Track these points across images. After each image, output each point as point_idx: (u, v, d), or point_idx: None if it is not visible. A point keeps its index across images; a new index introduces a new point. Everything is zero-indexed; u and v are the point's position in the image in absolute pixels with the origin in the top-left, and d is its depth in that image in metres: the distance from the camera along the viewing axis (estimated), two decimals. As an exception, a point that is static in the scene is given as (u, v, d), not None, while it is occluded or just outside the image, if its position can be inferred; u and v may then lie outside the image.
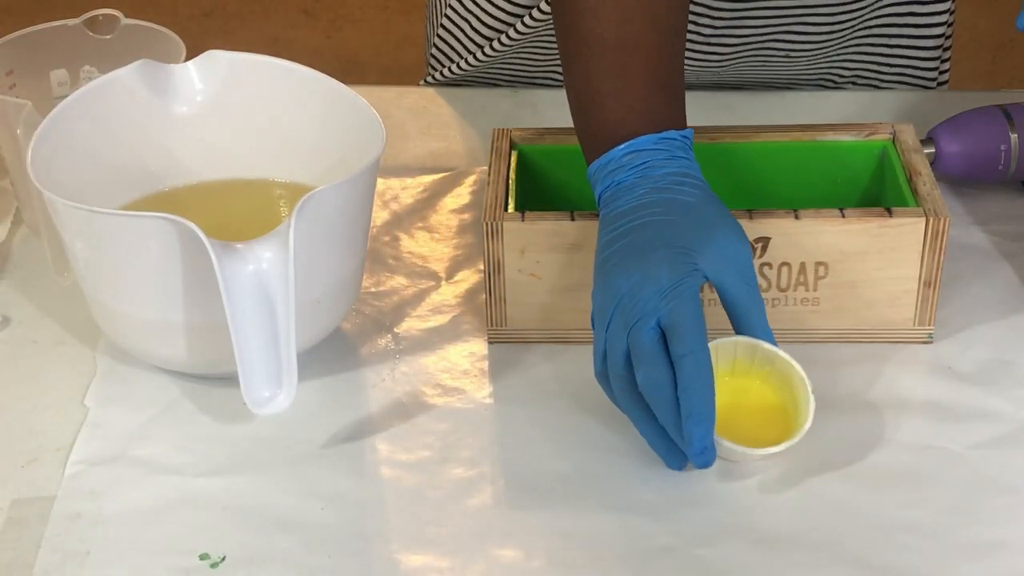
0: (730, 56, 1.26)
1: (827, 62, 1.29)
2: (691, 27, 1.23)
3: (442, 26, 1.32)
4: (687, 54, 1.25)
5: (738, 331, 0.93)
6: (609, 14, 0.96)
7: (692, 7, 1.22)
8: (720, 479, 0.92)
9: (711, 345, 0.90)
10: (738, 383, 0.94)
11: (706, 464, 0.88)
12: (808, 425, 0.90)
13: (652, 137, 0.95)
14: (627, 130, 0.95)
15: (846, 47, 1.28)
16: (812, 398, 0.91)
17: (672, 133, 0.95)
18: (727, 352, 0.93)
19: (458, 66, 1.32)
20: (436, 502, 0.92)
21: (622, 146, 0.95)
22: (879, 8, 1.25)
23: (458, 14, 1.30)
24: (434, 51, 1.34)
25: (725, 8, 1.22)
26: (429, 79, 1.36)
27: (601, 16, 0.96)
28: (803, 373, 0.92)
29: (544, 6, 1.21)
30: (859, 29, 1.26)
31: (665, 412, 0.88)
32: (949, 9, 1.27)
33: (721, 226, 0.92)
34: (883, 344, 1.03)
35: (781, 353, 0.92)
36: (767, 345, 0.92)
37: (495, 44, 1.27)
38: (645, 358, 0.88)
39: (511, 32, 1.26)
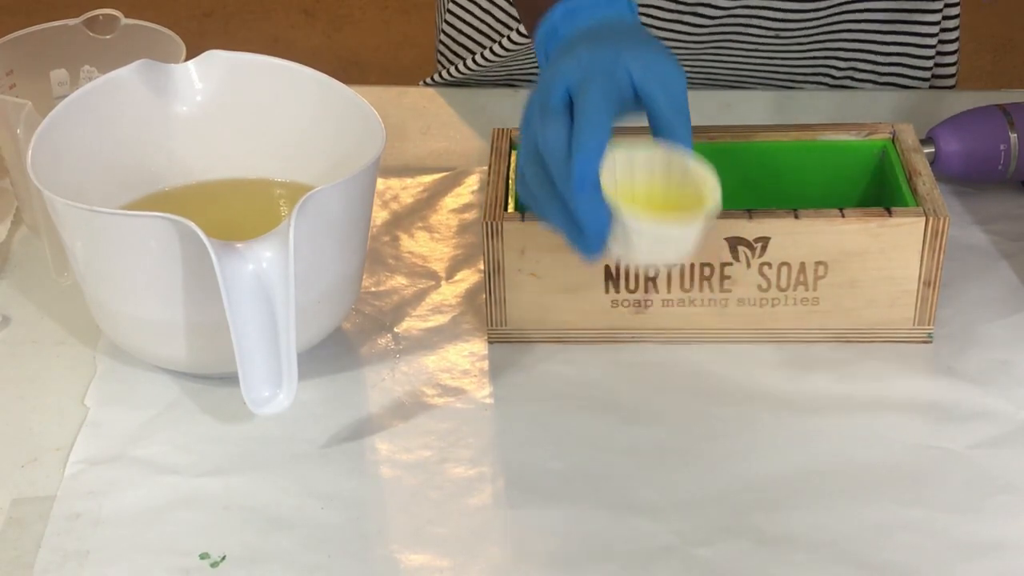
0: (717, 24, 1.24)
1: (821, 49, 1.28)
2: None
3: (444, 29, 1.32)
4: (676, 25, 1.24)
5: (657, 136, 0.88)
6: None
7: None
8: (719, 479, 0.92)
9: (623, 146, 0.86)
10: (652, 191, 0.89)
11: (597, 218, 0.84)
12: (712, 205, 0.85)
13: None
14: None
15: (839, 30, 1.27)
16: (718, 186, 0.85)
17: None
18: (643, 163, 0.88)
19: (457, 68, 1.32)
20: (436, 502, 0.92)
21: (559, 6, 0.92)
22: None
23: (458, 18, 1.30)
24: (441, 47, 1.34)
25: None
26: (430, 80, 1.36)
27: None
28: (716, 180, 0.86)
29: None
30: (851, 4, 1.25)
31: (560, 175, 0.85)
32: None
33: (656, 46, 0.89)
34: (883, 344, 1.03)
35: (695, 159, 0.87)
36: (682, 152, 0.87)
37: (495, 48, 1.27)
38: (547, 117, 0.86)
39: (513, 36, 1.26)
